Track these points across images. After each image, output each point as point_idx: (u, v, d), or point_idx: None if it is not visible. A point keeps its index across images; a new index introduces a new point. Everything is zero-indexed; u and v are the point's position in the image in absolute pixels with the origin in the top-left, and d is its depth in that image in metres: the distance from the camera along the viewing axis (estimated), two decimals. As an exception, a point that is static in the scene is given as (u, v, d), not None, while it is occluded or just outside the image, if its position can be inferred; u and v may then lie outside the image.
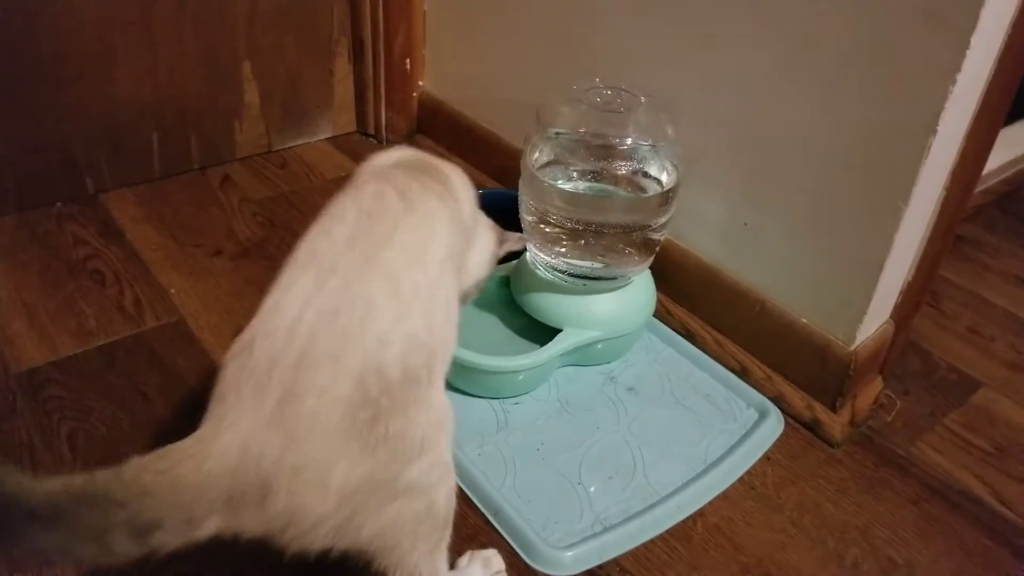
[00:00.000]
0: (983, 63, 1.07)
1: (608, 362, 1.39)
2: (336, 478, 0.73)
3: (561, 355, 1.31)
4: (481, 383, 1.28)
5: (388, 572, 0.83)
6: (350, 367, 0.74)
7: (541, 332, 1.34)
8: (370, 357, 0.76)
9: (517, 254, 1.41)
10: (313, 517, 0.73)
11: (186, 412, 1.23)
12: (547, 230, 1.27)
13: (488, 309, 1.45)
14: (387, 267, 0.81)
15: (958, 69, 1.02)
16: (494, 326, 1.42)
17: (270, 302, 0.79)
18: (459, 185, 1.05)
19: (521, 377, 1.29)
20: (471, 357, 1.24)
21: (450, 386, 1.29)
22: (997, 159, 2.04)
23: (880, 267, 1.18)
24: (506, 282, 1.43)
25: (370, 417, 0.74)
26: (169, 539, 0.69)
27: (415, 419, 0.78)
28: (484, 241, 1.16)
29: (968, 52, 1.01)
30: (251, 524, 0.71)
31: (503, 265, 1.43)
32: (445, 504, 0.85)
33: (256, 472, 0.70)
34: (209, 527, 0.71)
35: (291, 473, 0.71)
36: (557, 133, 1.27)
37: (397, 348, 0.77)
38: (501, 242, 1.21)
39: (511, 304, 1.41)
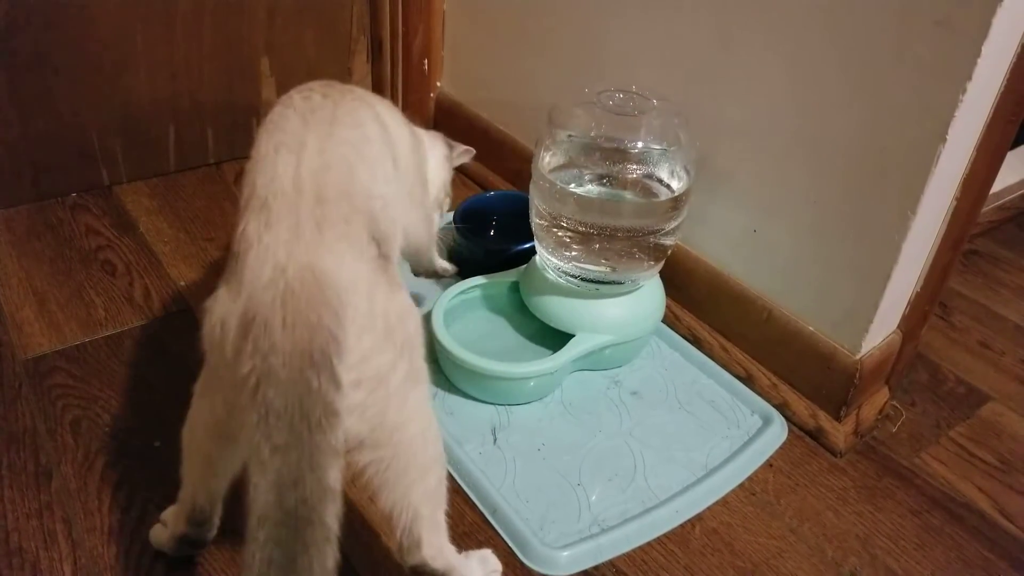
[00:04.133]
0: (995, 73, 1.07)
1: (617, 367, 1.38)
2: (377, 302, 0.79)
3: (573, 360, 1.30)
4: (492, 389, 1.28)
5: (392, 512, 0.85)
6: (358, 205, 0.82)
7: (552, 338, 1.35)
8: (366, 203, 0.84)
9: (525, 258, 1.41)
10: (365, 346, 0.76)
11: (190, 402, 1.24)
12: (558, 234, 1.27)
13: (499, 313, 1.45)
14: (344, 138, 0.89)
15: (968, 78, 1.01)
16: (504, 331, 1.42)
17: (261, 179, 0.83)
18: (368, 92, 1.09)
19: (532, 383, 1.28)
20: (483, 363, 1.24)
21: (460, 390, 1.30)
22: (1014, 176, 2.03)
23: (887, 277, 1.17)
24: (516, 287, 1.44)
25: (378, 256, 0.82)
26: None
27: (398, 293, 0.84)
28: (431, 144, 1.32)
29: (979, 61, 1.00)
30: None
31: (514, 270, 1.43)
32: (435, 437, 0.88)
33: (316, 296, 0.73)
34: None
35: (349, 289, 0.75)
36: (569, 136, 1.27)
37: (379, 203, 0.86)
38: (451, 146, 1.38)
39: (522, 309, 1.40)
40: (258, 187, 0.82)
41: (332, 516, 0.71)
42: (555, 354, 1.28)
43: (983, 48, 0.99)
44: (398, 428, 0.80)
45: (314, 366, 0.70)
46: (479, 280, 1.42)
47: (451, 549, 0.93)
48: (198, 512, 0.96)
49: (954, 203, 1.19)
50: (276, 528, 0.69)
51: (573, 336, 1.31)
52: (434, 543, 0.89)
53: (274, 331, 0.71)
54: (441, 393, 1.30)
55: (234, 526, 1.05)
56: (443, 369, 1.31)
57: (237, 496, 1.08)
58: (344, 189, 0.83)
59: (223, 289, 0.78)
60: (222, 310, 0.77)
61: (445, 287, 1.40)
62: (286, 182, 0.81)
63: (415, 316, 0.85)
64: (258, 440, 0.70)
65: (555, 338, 1.33)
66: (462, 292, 1.39)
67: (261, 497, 0.69)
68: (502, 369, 1.25)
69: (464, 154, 1.43)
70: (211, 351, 0.80)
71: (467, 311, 1.43)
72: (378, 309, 0.78)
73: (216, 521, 1.00)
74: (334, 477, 0.71)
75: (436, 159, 1.34)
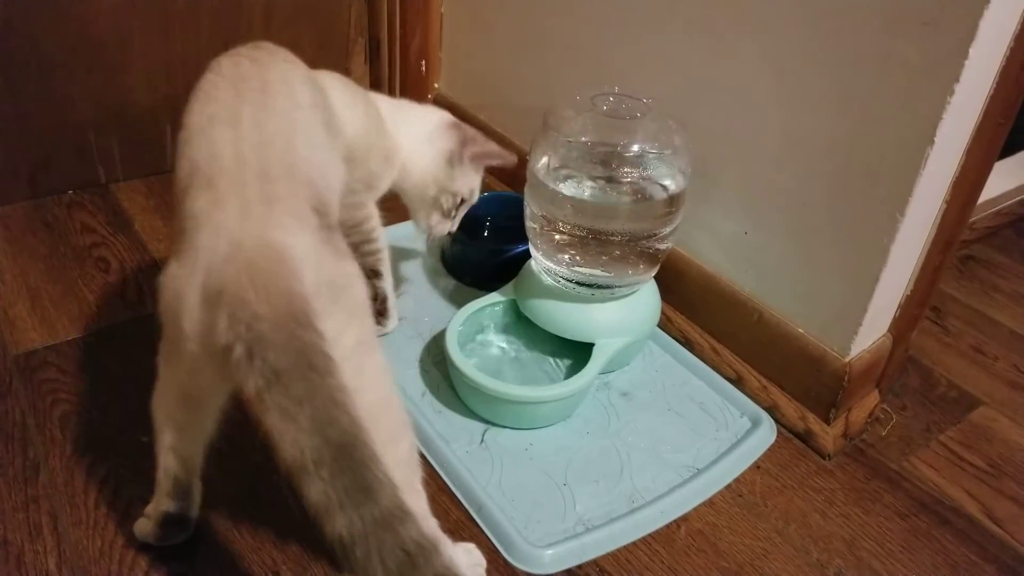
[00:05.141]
0: (983, 74, 1.07)
1: (612, 371, 1.37)
2: (324, 270, 0.80)
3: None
4: (523, 415, 1.25)
5: None
6: (300, 178, 0.85)
7: (549, 343, 1.36)
8: (307, 174, 0.86)
9: (524, 259, 1.40)
10: (317, 311, 0.76)
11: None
12: (555, 237, 1.27)
13: (508, 332, 1.43)
14: (278, 109, 0.90)
15: (956, 79, 1.01)
16: (520, 351, 1.40)
17: (200, 154, 0.84)
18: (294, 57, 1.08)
19: (567, 400, 1.26)
20: (520, 391, 1.23)
21: (452, 391, 1.30)
22: (1013, 181, 2.02)
23: (876, 279, 1.17)
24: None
25: (325, 226, 0.84)
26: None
27: (344, 260, 0.86)
28: (428, 133, 1.33)
29: (966, 63, 1.00)
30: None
31: (509, 284, 1.42)
32: (398, 407, 0.89)
33: (278, 266, 0.76)
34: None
35: (300, 259, 0.77)
36: (565, 140, 1.26)
37: (318, 172, 0.88)
38: (463, 141, 1.35)
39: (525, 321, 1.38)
40: (199, 163, 0.83)
41: (369, 438, 0.72)
42: (585, 368, 1.25)
43: (970, 50, 0.99)
44: (355, 394, 0.79)
45: (301, 326, 0.73)
46: (490, 299, 1.39)
47: (434, 522, 0.93)
48: (177, 485, 0.97)
49: (944, 205, 1.19)
50: (334, 462, 0.70)
51: (567, 340, 1.31)
52: (416, 508, 0.89)
53: (249, 302, 0.72)
54: (429, 393, 1.30)
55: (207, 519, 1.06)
56: (464, 399, 1.28)
57: (216, 485, 1.08)
58: (286, 163, 0.84)
59: (175, 264, 0.79)
60: (176, 285, 0.78)
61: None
62: (228, 159, 0.82)
63: (362, 283, 0.87)
64: (277, 399, 0.71)
65: (552, 344, 1.34)
66: (465, 320, 1.34)
67: (307, 443, 0.70)
68: (536, 394, 1.23)
69: (491, 157, 1.38)
70: (170, 324, 0.81)
71: (478, 335, 1.40)
72: (324, 276, 0.80)
73: (197, 497, 1.01)
74: (354, 408, 0.73)
75: (423, 152, 1.33)
